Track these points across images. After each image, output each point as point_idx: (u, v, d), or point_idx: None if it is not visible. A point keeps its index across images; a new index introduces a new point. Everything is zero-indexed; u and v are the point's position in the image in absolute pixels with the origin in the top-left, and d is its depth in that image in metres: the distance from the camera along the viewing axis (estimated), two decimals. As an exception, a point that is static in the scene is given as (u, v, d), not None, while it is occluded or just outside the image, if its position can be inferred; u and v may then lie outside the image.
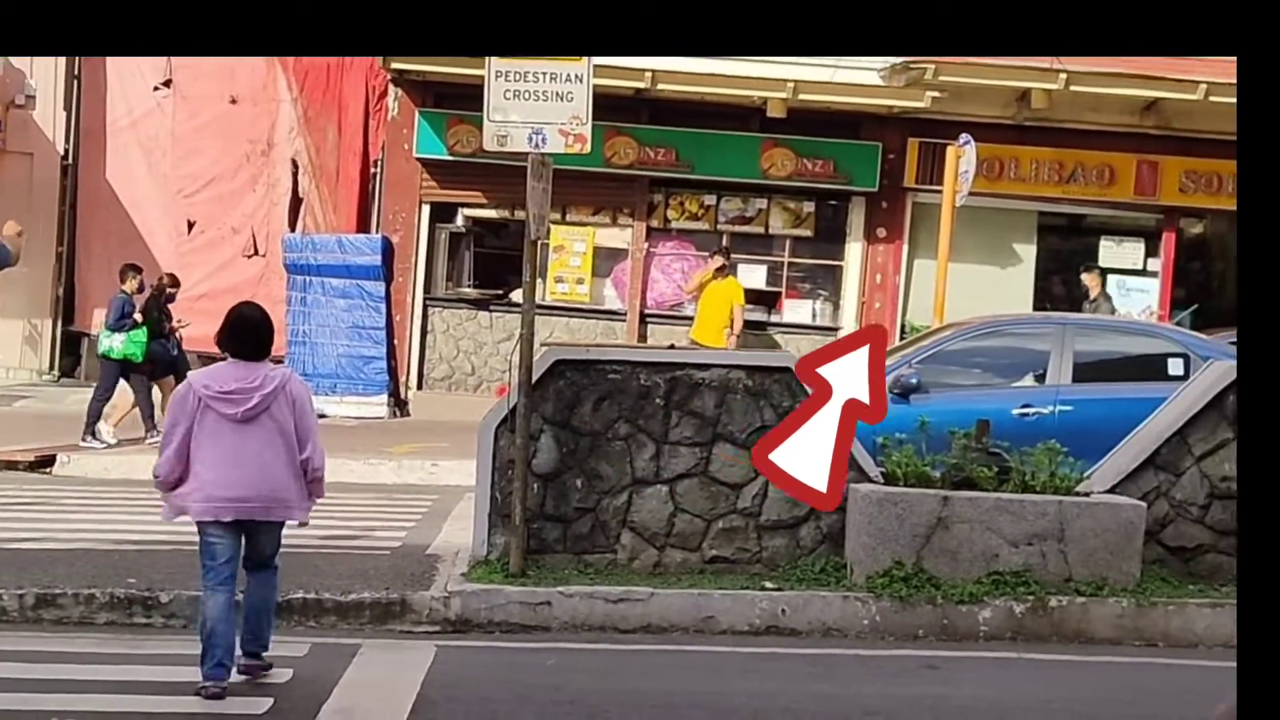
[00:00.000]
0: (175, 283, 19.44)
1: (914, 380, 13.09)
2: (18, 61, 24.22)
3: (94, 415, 17.79)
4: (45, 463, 16.94)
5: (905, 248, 22.40)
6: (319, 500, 8.27)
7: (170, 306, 18.91)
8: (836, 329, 22.42)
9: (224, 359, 8.31)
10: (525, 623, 9.65)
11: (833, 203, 22.57)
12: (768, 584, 10.08)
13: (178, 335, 18.94)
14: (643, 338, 22.09)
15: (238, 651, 8.00)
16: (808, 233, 22.60)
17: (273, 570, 8.24)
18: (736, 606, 9.80)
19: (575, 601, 9.74)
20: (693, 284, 21.41)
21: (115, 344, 18.01)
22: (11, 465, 16.60)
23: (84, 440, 17.54)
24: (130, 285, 18.52)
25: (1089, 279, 20.84)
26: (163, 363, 18.50)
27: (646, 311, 22.52)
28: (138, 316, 18.14)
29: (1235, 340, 13.00)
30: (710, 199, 22.56)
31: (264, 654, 8.17)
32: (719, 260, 20.88)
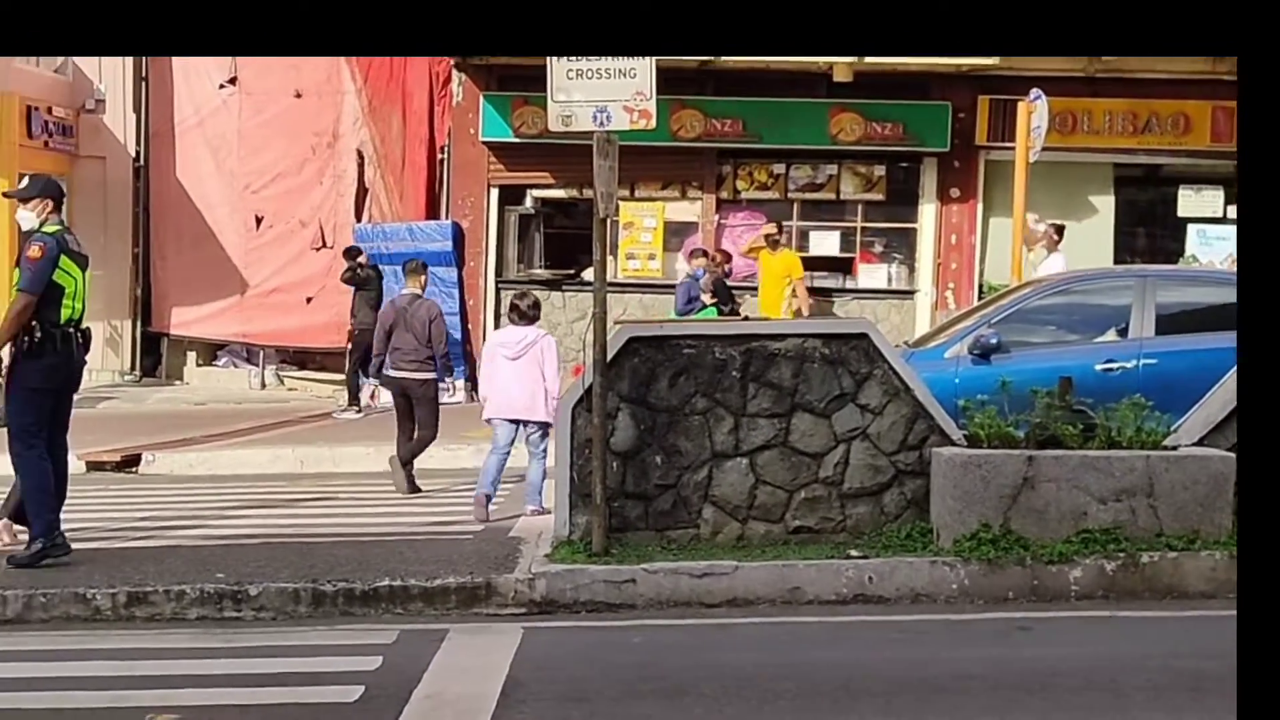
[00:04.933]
0: (728, 259, 20.14)
1: (994, 340, 12.97)
2: (87, 67, 24.42)
3: None
4: (131, 462, 17.12)
5: (980, 207, 22.22)
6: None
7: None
8: (913, 292, 22.32)
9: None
10: (610, 601, 9.62)
11: (904, 165, 22.42)
12: (853, 552, 10.00)
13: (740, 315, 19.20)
14: (717, 310, 22.00)
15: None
16: (880, 196, 22.47)
17: (539, 452, 12.65)
18: (822, 576, 9.73)
19: (659, 578, 9.69)
20: (745, 246, 21.39)
21: None
22: (99, 466, 16.77)
23: None
24: (691, 267, 19.08)
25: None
26: None
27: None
28: (705, 297, 18.51)
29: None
30: (779, 168, 22.45)
31: (538, 508, 12.30)
32: (770, 227, 20.80)
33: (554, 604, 9.60)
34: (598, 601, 9.62)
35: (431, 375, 14.47)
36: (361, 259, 21.37)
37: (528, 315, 13.05)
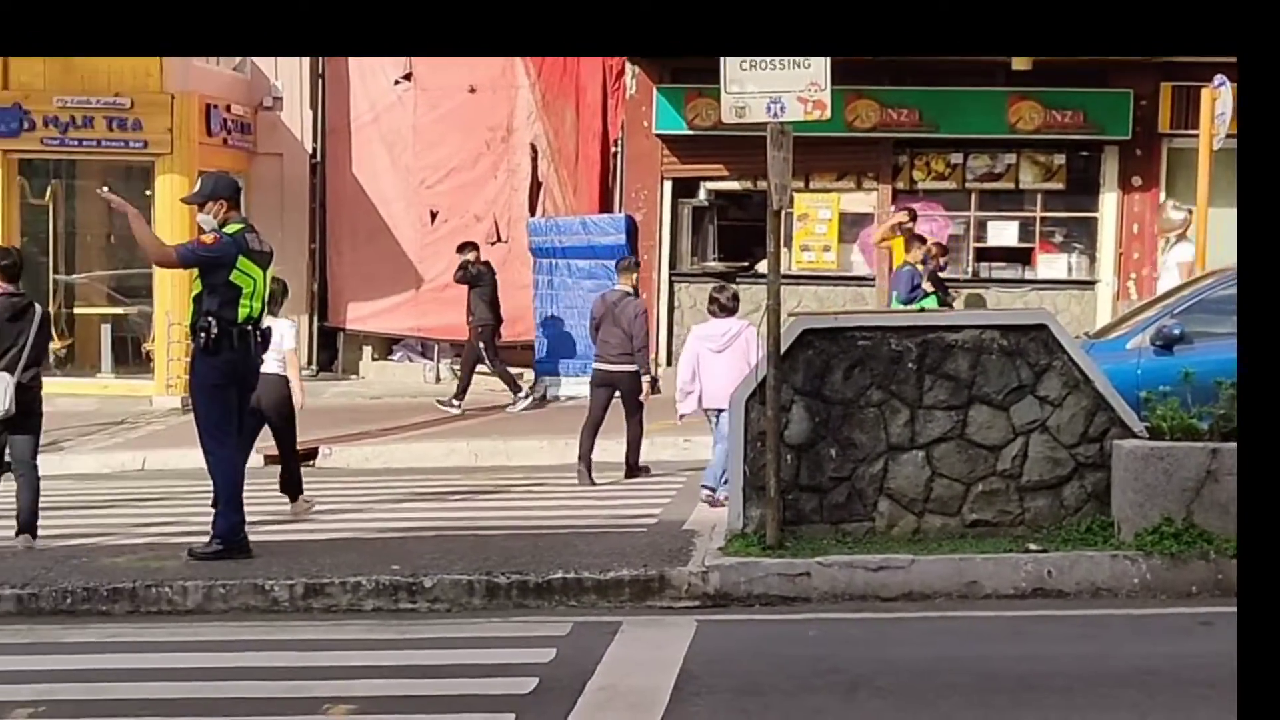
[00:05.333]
0: (944, 251, 20.22)
1: (1176, 331, 12.70)
2: (264, 65, 24.79)
3: None
4: (308, 456, 17.30)
5: (1162, 195, 21.75)
6: None
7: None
8: (1094, 282, 21.95)
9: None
10: (784, 594, 9.55)
11: (1084, 154, 22.04)
12: (1032, 546, 9.84)
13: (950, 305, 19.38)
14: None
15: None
16: (1059, 186, 22.11)
17: (726, 439, 11.85)
18: (1000, 570, 9.58)
19: (834, 571, 9.61)
20: (877, 236, 21.11)
21: None
22: (276, 459, 16.98)
23: None
24: (914, 256, 19.09)
25: None
26: None
27: (896, 275, 22.19)
28: (926, 286, 18.70)
29: None
30: (957, 157, 22.19)
31: (715, 491, 12.57)
32: (901, 216, 20.52)
33: (727, 597, 9.56)
34: (771, 595, 9.56)
35: (635, 368, 15.08)
36: (471, 255, 21.16)
37: (728, 308, 13.61)
